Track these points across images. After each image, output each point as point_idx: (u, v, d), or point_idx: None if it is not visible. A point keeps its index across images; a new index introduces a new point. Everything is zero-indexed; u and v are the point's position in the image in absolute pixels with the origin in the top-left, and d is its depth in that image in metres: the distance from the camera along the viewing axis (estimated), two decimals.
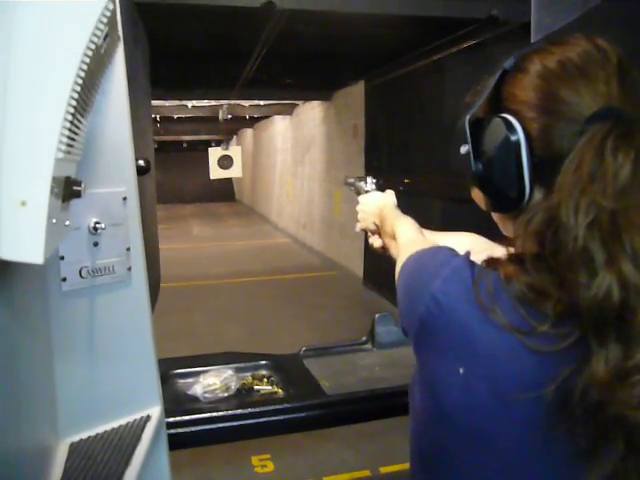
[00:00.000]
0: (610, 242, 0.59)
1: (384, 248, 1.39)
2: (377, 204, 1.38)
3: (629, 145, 0.62)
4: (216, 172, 7.10)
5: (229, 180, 14.94)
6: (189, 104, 9.36)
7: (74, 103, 0.55)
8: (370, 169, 6.63)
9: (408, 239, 1.08)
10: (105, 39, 0.59)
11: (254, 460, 3.29)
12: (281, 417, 1.41)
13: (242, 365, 1.70)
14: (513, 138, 0.73)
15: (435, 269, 0.77)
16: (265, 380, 1.65)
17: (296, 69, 6.10)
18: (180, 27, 4.01)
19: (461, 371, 0.69)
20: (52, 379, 0.89)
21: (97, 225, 0.93)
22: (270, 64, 5.36)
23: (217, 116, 8.86)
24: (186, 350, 5.01)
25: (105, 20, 0.59)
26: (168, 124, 11.78)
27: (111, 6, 0.59)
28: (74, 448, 0.89)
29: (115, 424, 0.97)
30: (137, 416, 1.00)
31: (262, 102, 9.61)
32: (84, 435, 0.93)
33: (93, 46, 0.55)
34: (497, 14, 3.50)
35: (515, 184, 0.73)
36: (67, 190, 0.63)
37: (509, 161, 0.74)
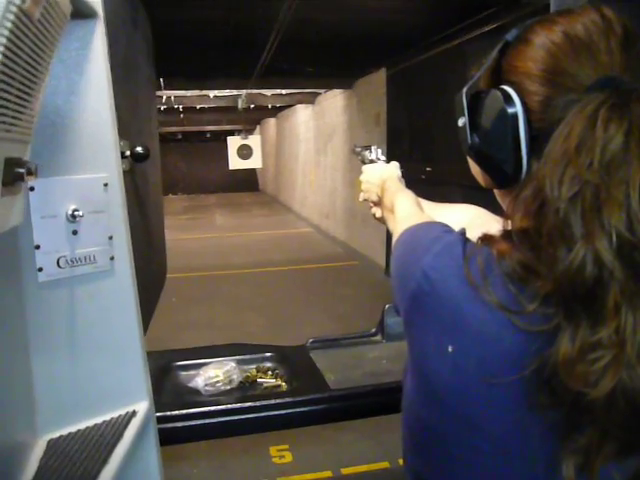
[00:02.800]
0: (589, 217, 0.57)
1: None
2: (380, 175, 1.35)
3: (622, 116, 0.58)
4: (235, 162, 7.06)
5: (252, 170, 14.95)
6: (211, 94, 9.35)
7: None
8: (392, 158, 6.53)
9: (405, 213, 1.05)
10: (39, 3, 0.54)
11: (272, 450, 3.28)
12: (282, 412, 1.36)
13: (247, 357, 1.66)
14: (510, 110, 0.70)
15: (427, 244, 0.75)
16: (269, 373, 1.61)
17: (316, 57, 6.02)
18: (194, 14, 3.98)
19: (450, 349, 0.68)
20: (29, 374, 0.86)
21: (75, 213, 0.88)
22: (289, 52, 5.31)
23: (237, 105, 8.84)
24: (207, 340, 5.04)
25: None
26: (191, 114, 11.80)
27: None
28: (52, 445, 0.86)
29: (98, 420, 0.93)
30: (122, 412, 0.96)
31: (284, 91, 9.55)
32: (64, 432, 0.90)
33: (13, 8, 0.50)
34: None
35: (512, 158, 0.71)
36: (8, 173, 0.58)
37: (506, 134, 0.71)
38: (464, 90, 0.78)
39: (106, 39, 0.93)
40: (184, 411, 1.33)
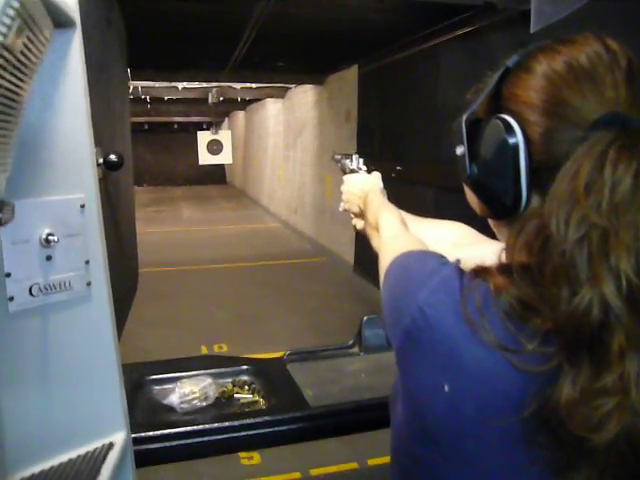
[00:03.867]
0: (597, 260, 0.56)
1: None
2: (362, 186, 1.34)
3: (631, 157, 0.57)
4: (205, 157, 6.96)
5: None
6: (180, 86, 9.18)
7: None
8: (362, 155, 6.52)
9: (391, 233, 1.03)
10: (21, 34, 0.49)
11: (240, 452, 3.25)
12: (261, 431, 1.32)
13: (222, 370, 1.61)
14: (511, 141, 0.68)
15: (423, 278, 0.72)
16: (246, 387, 1.56)
17: (288, 52, 5.97)
18: (166, 6, 3.87)
19: (446, 388, 0.67)
20: None
21: (50, 237, 0.82)
22: (261, 46, 5.24)
23: (207, 97, 8.71)
24: (174, 336, 4.99)
25: (11, 14, 0.47)
26: (158, 105, 11.56)
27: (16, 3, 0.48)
28: None
29: (72, 455, 0.88)
30: (98, 444, 0.90)
31: (254, 85, 9.45)
32: (36, 469, 0.84)
33: None
34: (495, 1, 3.39)
35: (511, 190, 0.69)
36: None
37: (506, 165, 0.69)
38: (463, 118, 0.76)
39: (83, 48, 0.88)
40: (159, 432, 1.28)
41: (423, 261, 0.77)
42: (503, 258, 0.68)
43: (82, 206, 0.88)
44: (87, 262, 0.89)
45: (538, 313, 0.60)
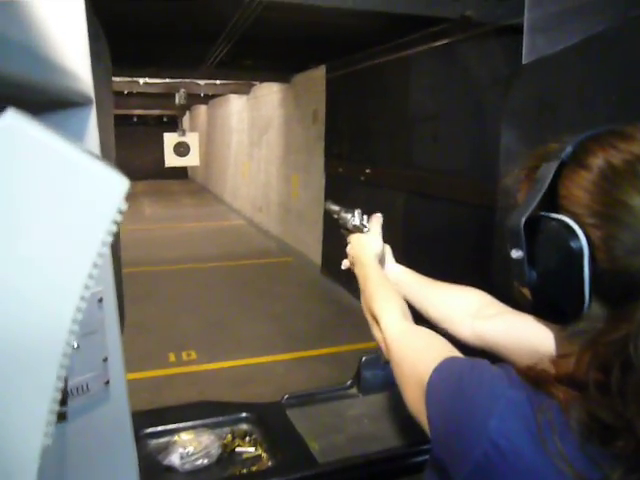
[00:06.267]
0: None
1: None
2: (363, 254, 1.28)
3: None
4: (171, 159, 6.79)
5: None
6: (141, 80, 8.93)
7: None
8: (330, 156, 6.49)
9: (398, 331, 0.97)
10: None
11: None
12: None
13: (220, 419, 1.54)
14: (575, 247, 0.63)
15: (486, 402, 0.67)
16: (247, 439, 1.50)
17: (256, 51, 5.84)
18: (136, 7, 3.72)
19: None
20: None
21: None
22: (232, 47, 5.12)
23: (169, 92, 8.50)
24: (141, 344, 4.84)
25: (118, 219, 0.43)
26: (117, 98, 11.21)
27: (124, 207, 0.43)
28: None
29: None
30: None
31: (218, 81, 9.27)
32: None
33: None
34: (471, 14, 3.37)
35: (574, 297, 0.64)
36: None
37: (569, 272, 0.64)
38: (521, 220, 0.69)
39: (97, 126, 0.79)
40: None
41: (478, 379, 0.71)
42: (562, 367, 0.65)
43: (100, 300, 0.81)
44: (105, 360, 0.81)
45: (618, 435, 0.57)
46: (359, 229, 1.35)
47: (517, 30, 2.57)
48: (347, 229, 1.40)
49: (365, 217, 1.37)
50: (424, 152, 4.49)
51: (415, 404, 0.80)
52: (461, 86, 3.87)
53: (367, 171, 5.51)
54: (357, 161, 5.79)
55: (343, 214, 1.42)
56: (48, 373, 0.40)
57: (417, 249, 3.52)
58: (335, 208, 1.47)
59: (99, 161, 0.40)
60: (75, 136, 0.76)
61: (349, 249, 1.34)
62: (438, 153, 4.24)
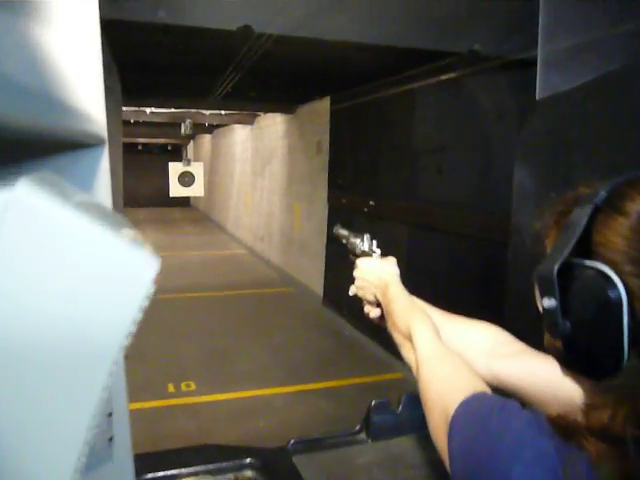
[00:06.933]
0: None
1: (382, 319, 1.28)
2: (379, 275, 1.27)
3: None
4: (176, 189, 6.80)
5: None
6: (147, 110, 9.01)
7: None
8: (334, 187, 6.50)
9: (430, 352, 0.96)
10: None
11: None
12: None
13: (224, 465, 1.48)
14: (613, 297, 0.60)
15: (513, 447, 0.64)
16: None
17: (262, 83, 5.90)
18: (146, 40, 3.76)
19: None
20: None
21: None
22: (239, 79, 5.17)
23: (175, 122, 8.59)
24: (140, 374, 4.76)
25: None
26: (124, 126, 11.30)
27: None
28: None
29: None
30: None
31: (223, 111, 9.35)
32: None
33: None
34: (479, 49, 3.40)
35: (612, 350, 0.61)
36: None
37: (606, 324, 0.61)
38: (555, 267, 0.65)
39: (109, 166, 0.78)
40: None
41: (507, 421, 0.68)
42: (595, 419, 0.61)
43: None
44: (110, 415, 0.77)
45: None
46: (368, 254, 1.34)
47: (525, 64, 2.58)
48: (355, 254, 1.38)
49: (374, 242, 1.36)
50: (428, 185, 4.48)
51: (437, 433, 0.78)
52: (467, 119, 3.89)
53: (371, 203, 5.50)
54: (361, 192, 5.79)
55: (352, 239, 1.42)
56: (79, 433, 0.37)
57: (421, 282, 3.49)
58: (344, 232, 1.47)
59: (124, 237, 0.36)
60: (86, 178, 0.74)
61: (357, 273, 1.32)
62: (443, 186, 4.24)
